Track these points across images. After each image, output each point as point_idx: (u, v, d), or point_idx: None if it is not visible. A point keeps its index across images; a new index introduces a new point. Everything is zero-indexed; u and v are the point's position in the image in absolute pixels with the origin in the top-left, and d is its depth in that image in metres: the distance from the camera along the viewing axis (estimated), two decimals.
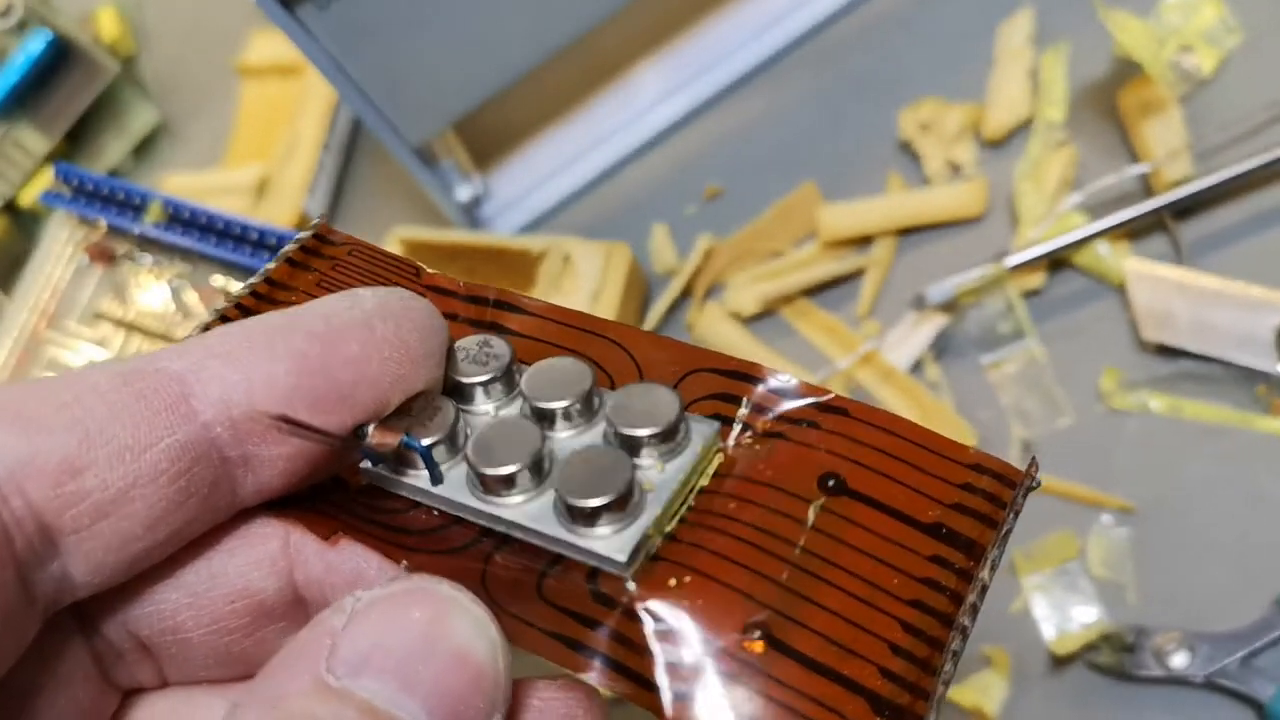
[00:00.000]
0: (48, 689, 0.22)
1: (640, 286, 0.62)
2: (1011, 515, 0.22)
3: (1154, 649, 0.46)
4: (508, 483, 0.22)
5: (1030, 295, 0.55)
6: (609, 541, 0.21)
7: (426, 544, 0.23)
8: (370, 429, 0.22)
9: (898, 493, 0.22)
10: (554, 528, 0.22)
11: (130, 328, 0.60)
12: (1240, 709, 0.46)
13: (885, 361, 0.56)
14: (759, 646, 0.20)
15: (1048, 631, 0.49)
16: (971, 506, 0.22)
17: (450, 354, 0.24)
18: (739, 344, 0.59)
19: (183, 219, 0.57)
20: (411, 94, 0.57)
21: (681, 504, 0.22)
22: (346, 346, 0.21)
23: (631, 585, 0.21)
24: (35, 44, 0.75)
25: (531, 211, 0.68)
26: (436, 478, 0.23)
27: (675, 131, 0.68)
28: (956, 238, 0.58)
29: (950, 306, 0.55)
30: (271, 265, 0.27)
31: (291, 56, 0.76)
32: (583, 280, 0.60)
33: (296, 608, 0.23)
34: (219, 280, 0.59)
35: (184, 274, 0.59)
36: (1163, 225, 0.54)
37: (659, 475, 0.22)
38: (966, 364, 0.55)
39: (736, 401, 0.24)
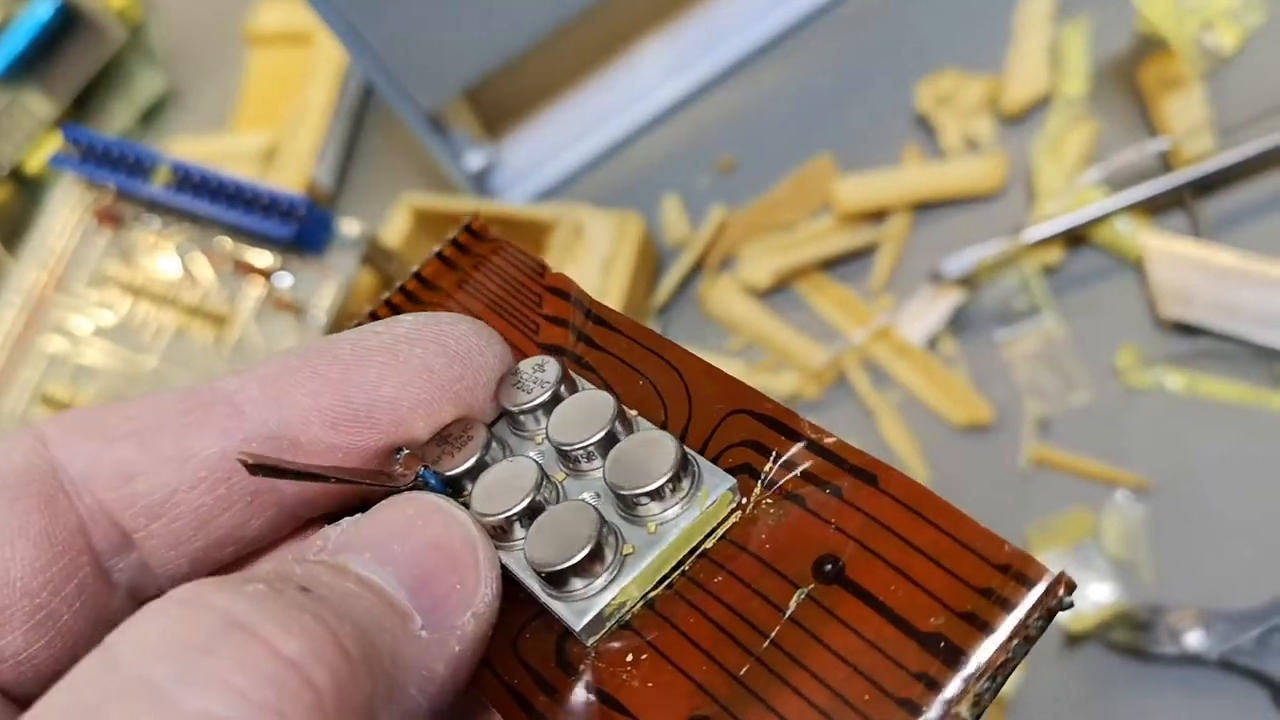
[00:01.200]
0: None
1: (652, 258, 0.62)
2: (1020, 641, 0.18)
3: (1169, 627, 0.46)
4: (503, 528, 0.22)
5: (1048, 271, 0.55)
6: (573, 606, 0.21)
7: None
8: (402, 455, 0.23)
9: (900, 589, 0.19)
10: (534, 583, 0.21)
11: (138, 292, 0.59)
12: (1255, 687, 0.45)
13: (899, 336, 0.55)
14: None
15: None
16: (984, 619, 0.18)
17: (507, 378, 0.24)
18: (751, 317, 0.59)
19: (191, 183, 0.57)
20: (424, 58, 0.56)
21: (675, 567, 0.21)
22: (365, 371, 0.22)
23: (591, 654, 0.20)
24: (43, 10, 0.74)
25: (543, 182, 0.67)
26: None
27: (689, 102, 0.67)
28: (973, 212, 0.58)
29: (967, 281, 0.55)
30: (425, 263, 0.28)
31: (300, 23, 0.76)
32: (594, 250, 0.59)
33: None
34: (227, 244, 0.58)
35: (192, 238, 0.59)
36: (1182, 202, 0.53)
37: (647, 536, 0.21)
38: (982, 340, 0.55)
39: (768, 454, 0.22)
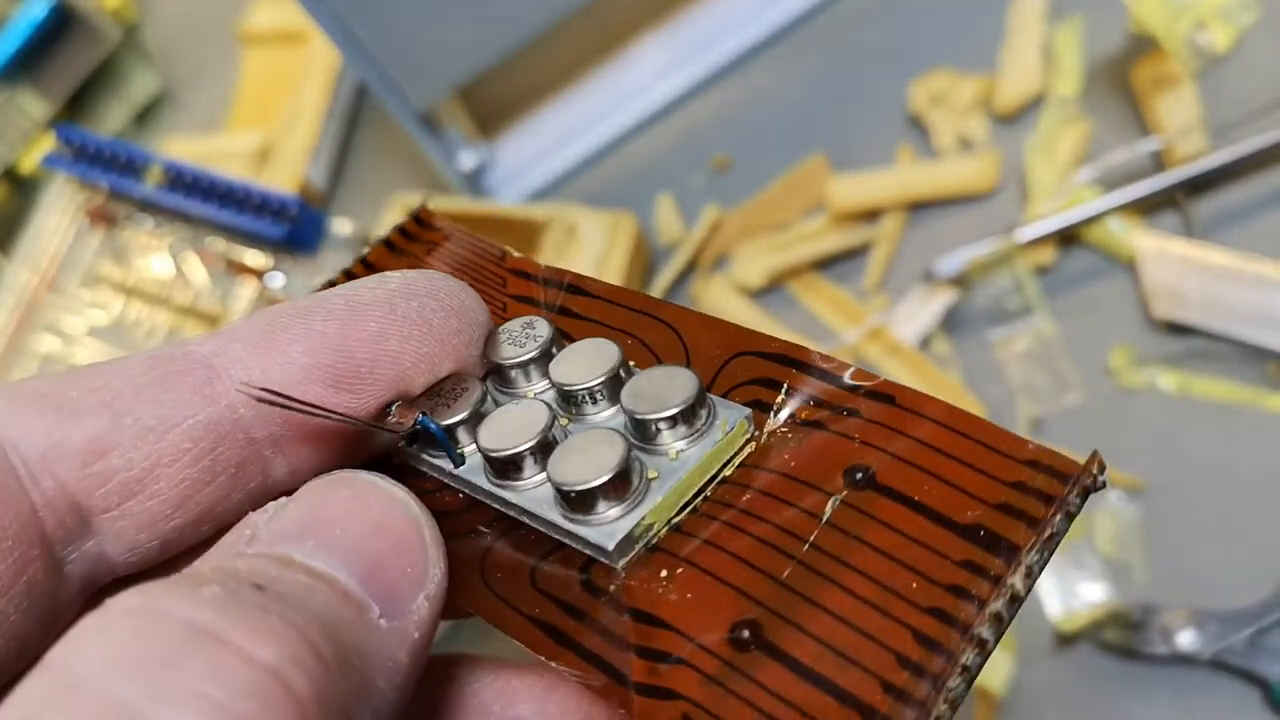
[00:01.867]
0: None
1: (645, 257, 0.62)
2: (1061, 517, 0.19)
3: (1161, 627, 0.46)
4: (514, 465, 0.21)
5: (1040, 271, 0.55)
6: (601, 529, 0.20)
7: (446, 525, 0.21)
8: (394, 408, 0.22)
9: (934, 489, 0.19)
10: (554, 514, 0.21)
11: (130, 291, 0.59)
12: (1247, 687, 0.45)
13: (893, 336, 0.55)
14: (745, 647, 0.19)
15: (1054, 609, 0.49)
16: (1019, 507, 0.19)
17: (494, 336, 0.24)
18: (745, 317, 0.59)
19: (184, 182, 0.57)
20: (416, 58, 0.56)
21: (696, 494, 0.21)
22: (365, 324, 0.21)
23: (621, 575, 0.20)
24: (37, 9, 0.74)
25: (536, 181, 0.67)
26: (456, 459, 0.22)
27: (683, 102, 0.67)
28: (966, 212, 0.58)
29: (960, 281, 0.55)
30: (368, 249, 0.27)
31: (294, 23, 0.76)
32: (588, 250, 0.59)
33: None
34: (219, 244, 0.58)
35: (184, 237, 0.59)
36: (1175, 201, 0.53)
37: (669, 463, 0.21)
38: (975, 340, 0.55)
39: (778, 387, 0.22)
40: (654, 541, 0.21)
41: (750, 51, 0.66)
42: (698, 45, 0.67)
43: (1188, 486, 0.49)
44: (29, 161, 0.77)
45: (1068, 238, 0.54)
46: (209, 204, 0.56)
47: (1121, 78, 0.57)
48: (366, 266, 0.27)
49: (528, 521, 0.22)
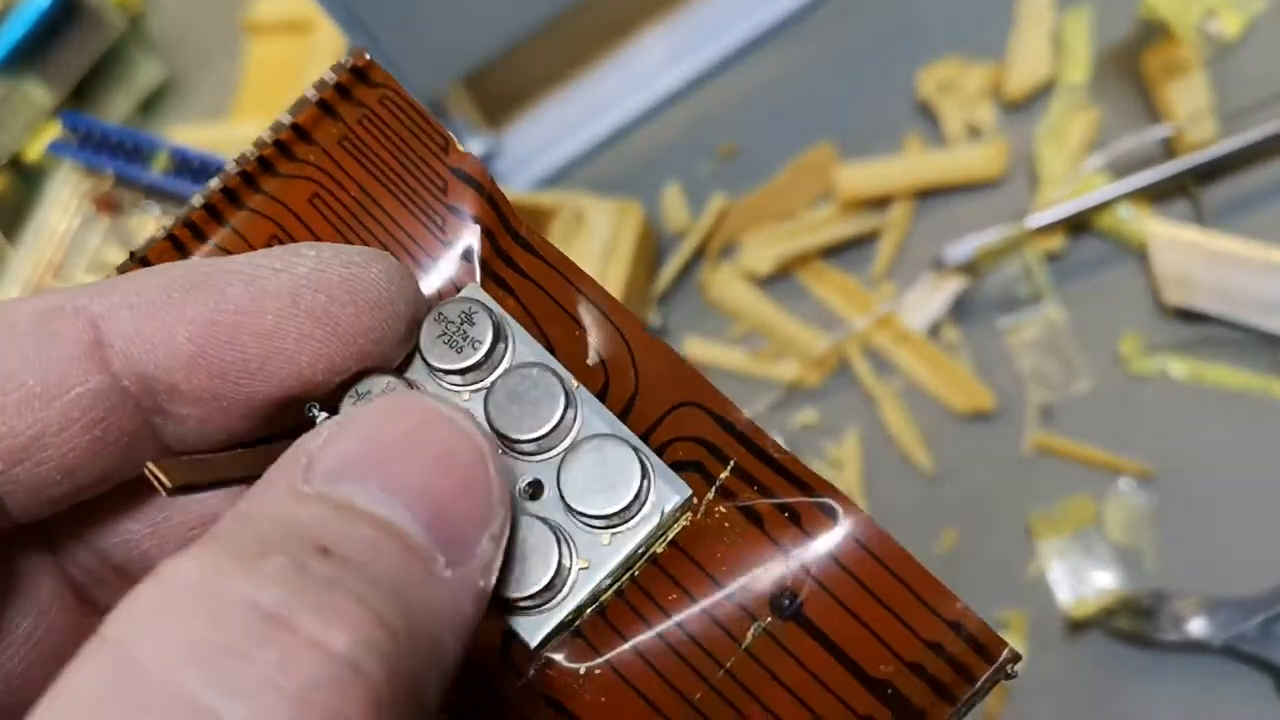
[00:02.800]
0: (20, 615, 0.21)
1: (652, 246, 0.62)
2: (975, 698, 0.19)
3: (1172, 614, 0.46)
4: None
5: (1050, 258, 0.54)
6: (527, 619, 0.20)
7: None
8: (314, 410, 0.21)
9: (854, 633, 0.19)
10: None
11: None
12: (1258, 675, 0.45)
13: (901, 324, 0.55)
14: None
15: (1064, 596, 0.49)
16: (932, 672, 0.19)
17: (433, 322, 0.22)
18: (752, 305, 0.59)
19: (191, 168, 0.57)
20: (423, 45, 0.56)
21: (625, 573, 0.21)
22: (261, 318, 0.20)
23: (540, 661, 0.20)
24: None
25: (544, 169, 0.67)
26: None
27: (690, 90, 0.67)
28: (975, 200, 0.58)
29: (969, 269, 0.55)
30: (300, 111, 0.24)
31: (300, 13, 0.75)
32: (595, 238, 0.59)
33: None
34: None
35: None
36: (1185, 189, 0.53)
37: (602, 548, 0.20)
38: (984, 327, 0.55)
39: (725, 461, 0.21)
40: (577, 626, 0.20)
41: (757, 39, 0.66)
42: (705, 33, 0.67)
43: (1198, 474, 0.49)
44: (34, 149, 0.77)
45: (1077, 225, 0.54)
46: None
47: (1131, 65, 0.57)
48: (298, 134, 0.24)
49: None
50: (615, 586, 0.20)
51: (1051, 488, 0.51)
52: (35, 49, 0.76)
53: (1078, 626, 0.48)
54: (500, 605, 0.20)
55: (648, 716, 0.19)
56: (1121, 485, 0.49)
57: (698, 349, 0.59)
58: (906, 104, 0.61)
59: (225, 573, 0.15)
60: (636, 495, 0.20)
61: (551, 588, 0.20)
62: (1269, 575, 0.46)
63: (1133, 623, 0.46)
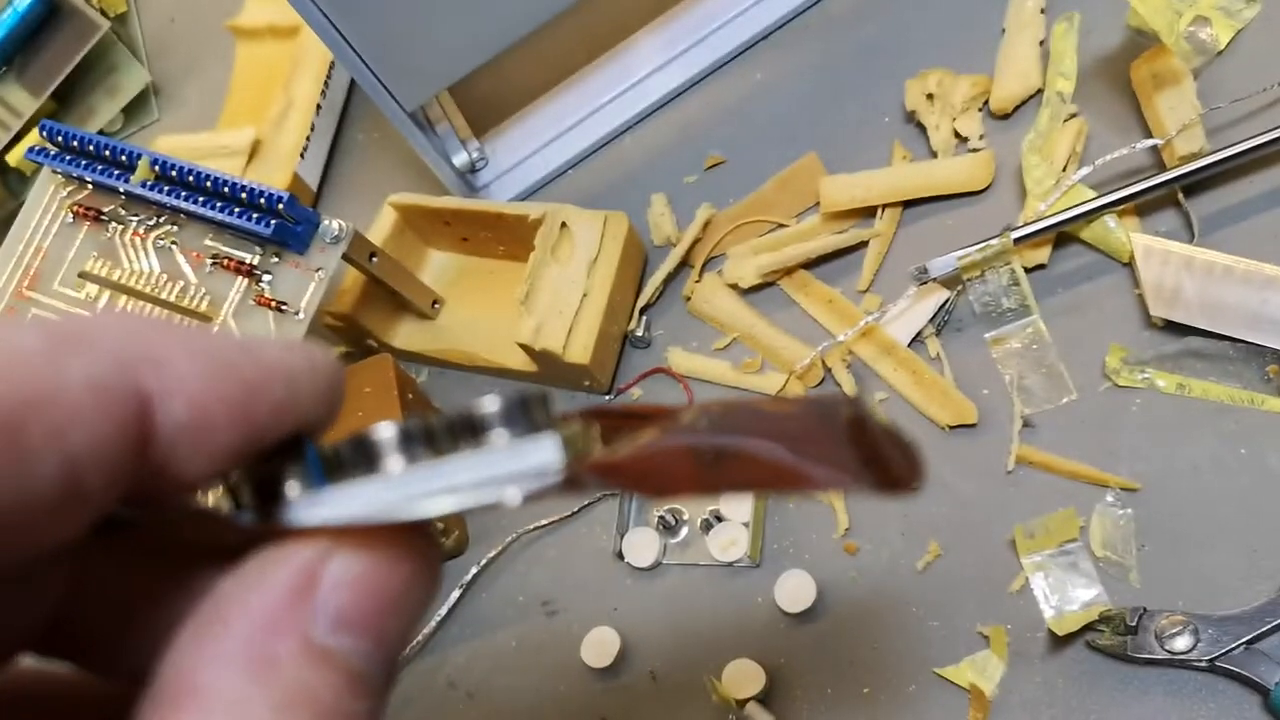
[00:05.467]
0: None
1: (638, 256, 0.61)
2: None
3: (1156, 631, 0.45)
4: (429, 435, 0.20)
5: (1035, 270, 0.54)
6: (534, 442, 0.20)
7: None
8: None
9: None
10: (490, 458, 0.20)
11: (116, 288, 0.59)
12: (1244, 693, 0.45)
13: (886, 335, 0.55)
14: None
15: (1047, 611, 0.48)
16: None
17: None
18: (737, 316, 0.58)
19: (171, 177, 0.56)
20: (407, 56, 0.56)
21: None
22: (295, 410, 0.21)
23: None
24: (23, 0, 0.73)
25: (529, 179, 0.67)
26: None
27: (675, 100, 0.67)
28: (961, 211, 0.57)
29: (953, 280, 0.54)
30: None
31: (287, 18, 0.75)
32: (580, 248, 0.58)
33: None
34: (207, 240, 0.57)
35: (172, 234, 0.58)
36: (1173, 200, 0.53)
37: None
38: (969, 339, 0.54)
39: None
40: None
41: (743, 49, 0.66)
42: (690, 43, 0.66)
43: (1184, 489, 0.49)
44: (16, 155, 0.77)
45: (1063, 236, 0.54)
46: (198, 200, 0.55)
47: (1120, 75, 0.56)
48: None
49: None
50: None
51: (1035, 501, 0.50)
52: (16, 52, 0.76)
53: (1060, 642, 0.47)
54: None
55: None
56: (1107, 499, 0.49)
57: (682, 360, 0.59)
58: (893, 114, 0.61)
59: None
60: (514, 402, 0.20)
61: (523, 409, 0.20)
62: (1255, 592, 0.46)
63: (1116, 639, 0.46)
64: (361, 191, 0.72)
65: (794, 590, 0.52)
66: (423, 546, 0.20)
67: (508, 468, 0.19)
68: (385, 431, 0.19)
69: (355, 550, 0.19)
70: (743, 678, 0.52)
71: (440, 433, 0.20)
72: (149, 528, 0.21)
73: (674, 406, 0.24)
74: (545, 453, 0.19)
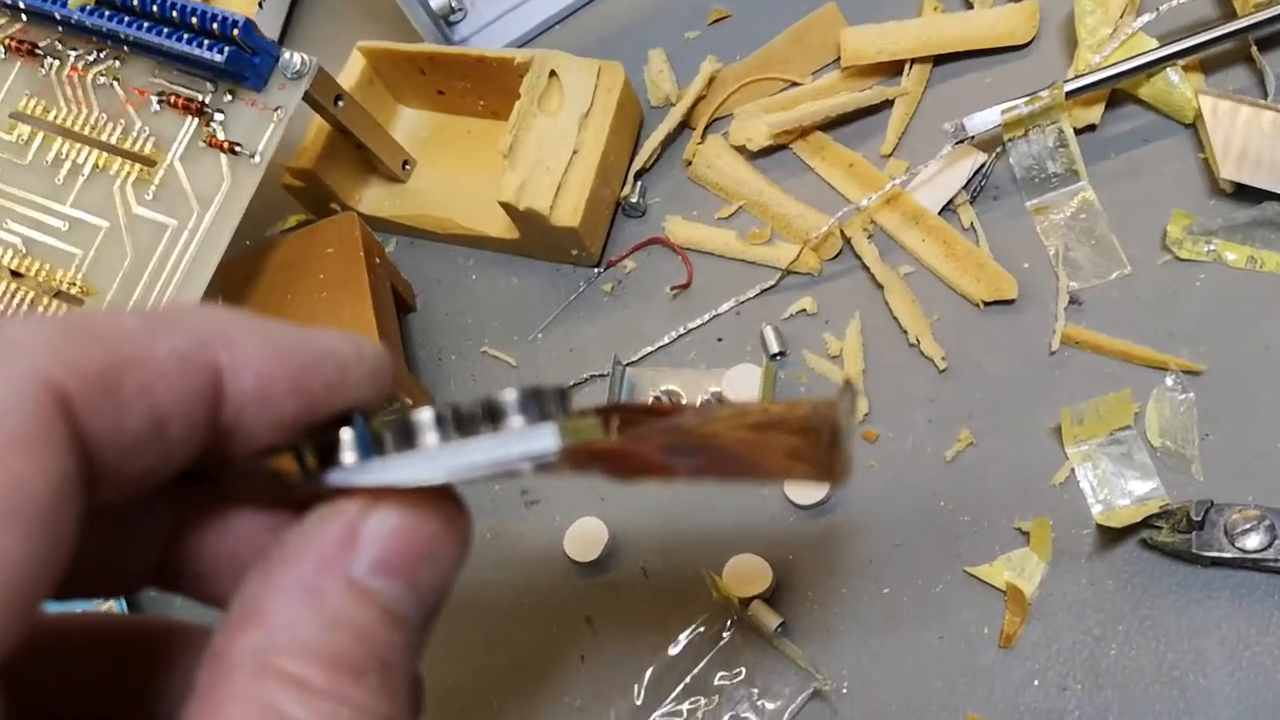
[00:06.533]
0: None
1: (634, 114, 0.55)
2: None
3: (1226, 527, 0.40)
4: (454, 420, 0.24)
5: (1085, 131, 0.48)
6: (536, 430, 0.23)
7: None
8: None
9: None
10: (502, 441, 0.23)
11: (52, 129, 0.52)
12: None
13: (913, 202, 0.49)
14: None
15: (1095, 506, 0.43)
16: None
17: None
18: (744, 181, 0.53)
19: (113, 1, 0.49)
20: None
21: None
22: (344, 389, 0.25)
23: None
24: None
25: (513, 33, 0.61)
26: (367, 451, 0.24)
27: None
28: (999, 68, 0.51)
29: (992, 142, 0.49)
30: None
31: None
32: (570, 101, 0.52)
33: None
34: (153, 75, 0.51)
35: (115, 70, 0.52)
36: (1245, 54, 0.47)
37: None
38: (1008, 207, 0.49)
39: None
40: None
41: None
42: None
43: (1253, 371, 0.44)
44: None
45: (1118, 95, 0.48)
46: (143, 27, 0.49)
47: None
48: None
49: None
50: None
51: (1083, 385, 0.45)
52: None
53: (1110, 539, 0.42)
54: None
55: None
56: (1165, 383, 0.44)
57: (681, 230, 0.53)
58: None
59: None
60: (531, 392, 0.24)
61: (537, 398, 0.24)
62: None
63: (1178, 536, 0.41)
64: (327, 45, 0.66)
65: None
66: (450, 508, 0.24)
67: (518, 448, 0.23)
68: (424, 415, 0.23)
69: (392, 508, 0.23)
70: (747, 574, 0.46)
71: (467, 417, 0.23)
72: (231, 485, 0.25)
73: (682, 407, 0.27)
74: (546, 439, 0.23)
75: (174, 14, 0.48)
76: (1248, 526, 0.40)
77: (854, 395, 0.27)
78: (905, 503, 0.46)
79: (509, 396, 0.24)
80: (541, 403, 0.24)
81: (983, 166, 0.49)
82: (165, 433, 0.22)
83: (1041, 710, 0.41)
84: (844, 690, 0.44)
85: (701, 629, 0.46)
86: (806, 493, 0.47)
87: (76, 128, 0.52)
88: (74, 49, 0.52)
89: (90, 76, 0.52)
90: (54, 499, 0.19)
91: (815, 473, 0.23)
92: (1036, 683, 0.42)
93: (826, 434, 0.24)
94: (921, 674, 0.43)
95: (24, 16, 0.53)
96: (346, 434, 0.24)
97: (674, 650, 0.46)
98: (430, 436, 0.23)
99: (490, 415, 0.24)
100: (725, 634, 0.46)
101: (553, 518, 0.50)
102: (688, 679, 0.46)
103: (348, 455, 0.24)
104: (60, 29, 0.52)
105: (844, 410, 0.25)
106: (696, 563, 0.47)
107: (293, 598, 0.22)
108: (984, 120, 0.48)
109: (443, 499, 0.24)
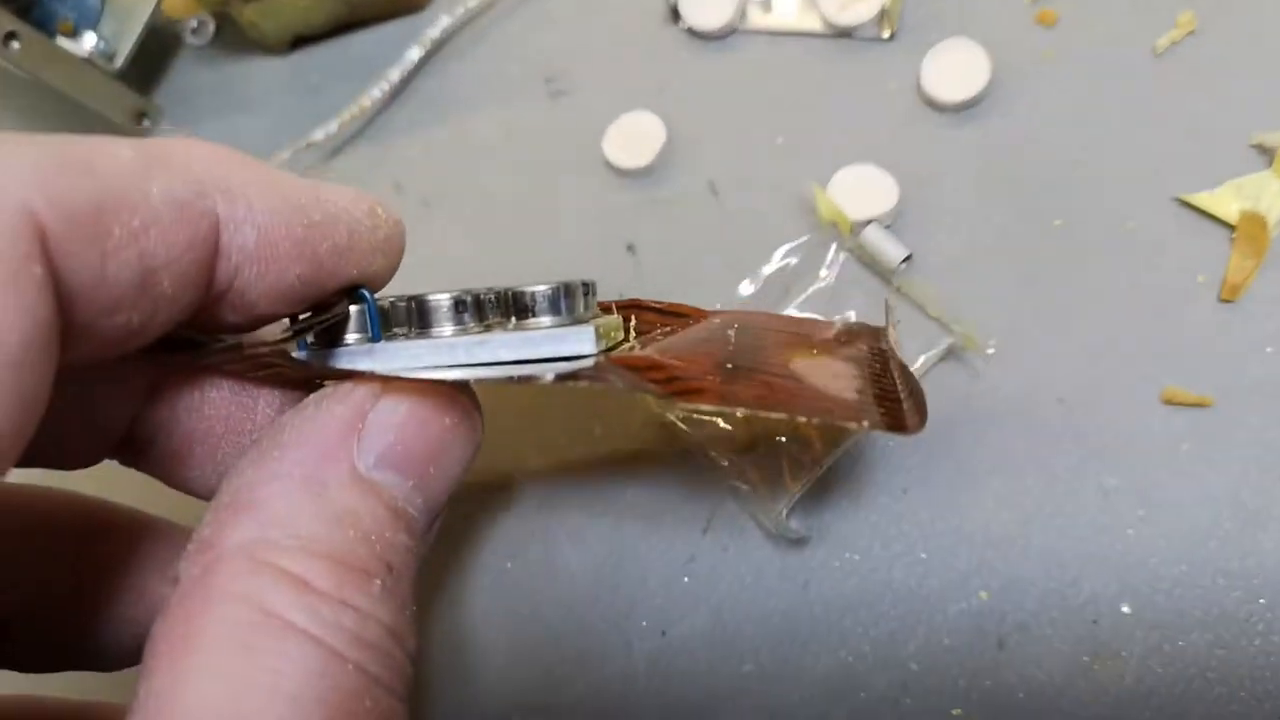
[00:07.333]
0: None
1: None
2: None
3: None
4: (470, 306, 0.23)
5: None
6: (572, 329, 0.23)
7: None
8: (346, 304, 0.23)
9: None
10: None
11: None
12: None
13: None
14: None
15: None
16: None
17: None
18: None
19: None
20: None
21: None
22: (352, 254, 0.23)
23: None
24: None
25: None
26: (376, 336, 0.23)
27: None
28: None
29: None
30: None
31: None
32: None
33: None
34: None
35: None
36: None
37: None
38: None
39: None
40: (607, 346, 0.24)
41: None
42: None
43: None
44: None
45: None
46: None
47: None
48: None
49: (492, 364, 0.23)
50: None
51: None
52: None
53: None
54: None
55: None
56: None
57: None
58: None
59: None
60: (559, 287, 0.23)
61: (569, 295, 0.23)
62: None
63: None
64: None
65: (953, 68, 0.34)
66: (463, 406, 0.22)
67: (546, 349, 0.22)
68: (440, 298, 0.22)
69: (401, 397, 0.22)
70: (862, 190, 0.34)
71: (489, 307, 0.23)
72: (217, 356, 0.23)
73: (706, 311, 0.27)
74: (583, 342, 0.22)
75: None
76: None
77: (895, 317, 0.26)
78: (1090, 106, 0.33)
79: (539, 290, 0.23)
80: (574, 300, 0.23)
81: None
82: (152, 288, 0.19)
83: (1273, 384, 0.30)
84: (989, 350, 0.32)
85: (793, 260, 0.34)
86: (948, 85, 0.34)
87: None
88: None
89: None
90: (25, 349, 0.17)
91: (890, 424, 0.22)
92: (1270, 349, 0.30)
93: (898, 380, 0.23)
94: (1102, 333, 0.31)
95: None
96: (354, 310, 0.22)
97: (747, 290, 0.34)
98: (447, 324, 0.23)
99: (516, 309, 0.23)
100: (824, 270, 0.34)
101: (587, 111, 0.38)
102: None
103: (354, 334, 0.23)
104: None
105: (894, 341, 0.25)
106: (787, 175, 0.35)
107: (292, 487, 0.20)
108: None
109: (456, 392, 0.23)
